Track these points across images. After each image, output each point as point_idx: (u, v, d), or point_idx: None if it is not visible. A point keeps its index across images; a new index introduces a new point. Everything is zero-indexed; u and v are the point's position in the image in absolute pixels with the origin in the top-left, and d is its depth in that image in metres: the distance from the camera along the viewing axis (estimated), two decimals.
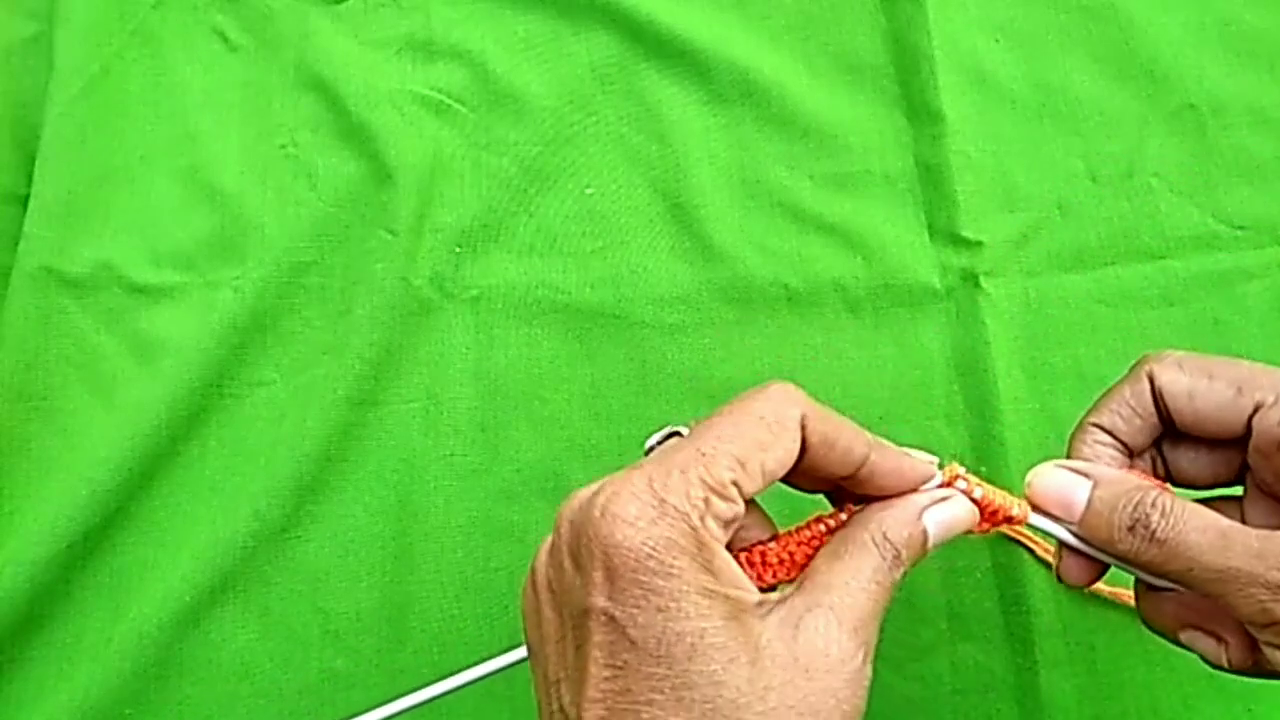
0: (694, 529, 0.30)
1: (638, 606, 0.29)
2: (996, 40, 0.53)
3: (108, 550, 0.47)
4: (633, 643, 0.29)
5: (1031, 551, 0.45)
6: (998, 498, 0.34)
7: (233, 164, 0.53)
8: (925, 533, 0.32)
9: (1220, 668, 0.33)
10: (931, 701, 0.44)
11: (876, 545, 0.32)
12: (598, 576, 0.30)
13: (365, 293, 0.50)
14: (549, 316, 0.50)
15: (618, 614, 0.30)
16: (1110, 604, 0.44)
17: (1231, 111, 0.51)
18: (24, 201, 0.53)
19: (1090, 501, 0.33)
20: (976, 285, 0.49)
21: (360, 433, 0.48)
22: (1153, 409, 0.35)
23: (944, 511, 0.33)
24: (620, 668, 0.30)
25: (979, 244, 0.50)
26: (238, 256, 0.51)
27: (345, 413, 0.48)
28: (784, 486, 0.36)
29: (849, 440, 0.33)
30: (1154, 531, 0.31)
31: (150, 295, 0.51)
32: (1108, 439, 0.35)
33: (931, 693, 0.44)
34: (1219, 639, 0.33)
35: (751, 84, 0.53)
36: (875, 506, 0.33)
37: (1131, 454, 0.35)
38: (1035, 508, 0.34)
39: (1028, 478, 0.35)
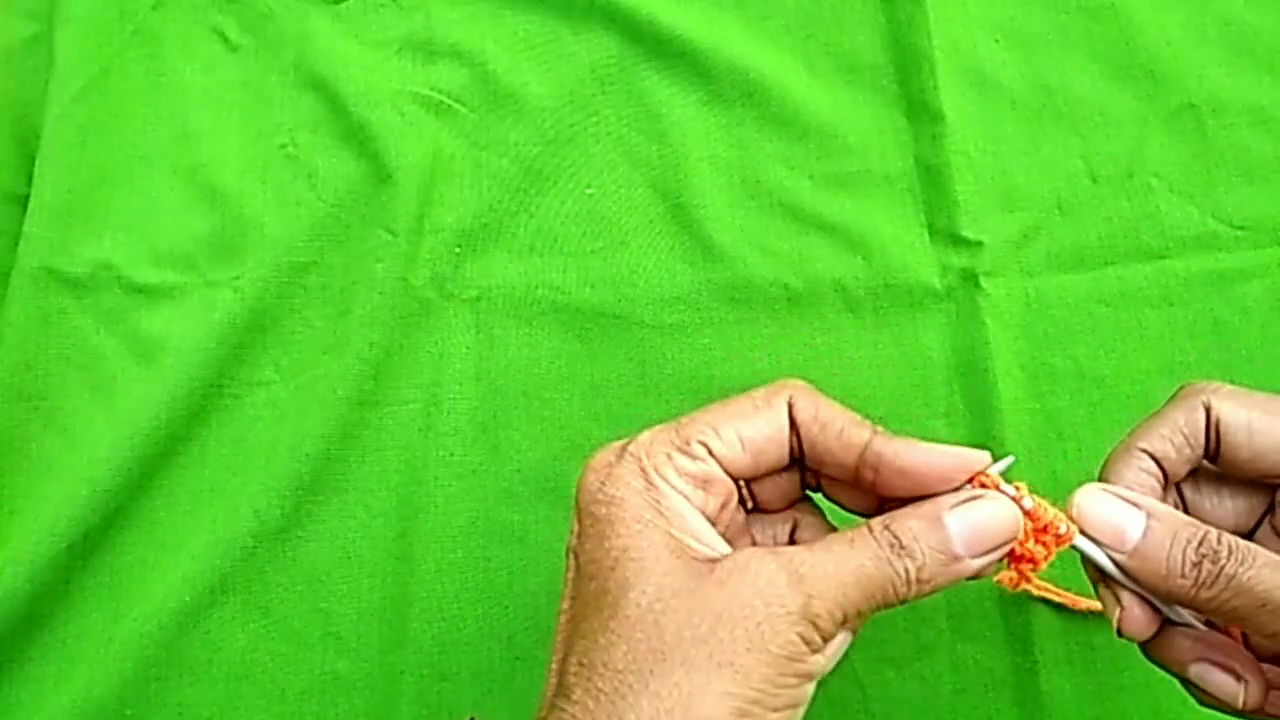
0: (644, 470, 0.32)
1: (586, 536, 0.32)
2: (996, 40, 0.53)
3: (108, 550, 0.47)
4: (580, 570, 0.32)
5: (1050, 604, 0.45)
6: (1048, 512, 0.32)
7: (233, 164, 0.53)
8: (947, 534, 0.31)
9: (1228, 708, 0.32)
10: (931, 701, 0.44)
11: (873, 531, 0.31)
12: (573, 522, 0.33)
13: (365, 293, 0.50)
14: (549, 316, 0.50)
15: (575, 547, 0.32)
16: None
17: (1231, 111, 0.51)
18: (24, 201, 0.53)
19: (1146, 534, 0.31)
20: (976, 285, 0.49)
21: (360, 433, 0.48)
22: (1203, 440, 0.34)
23: (974, 512, 0.31)
24: (574, 598, 0.32)
25: (979, 244, 0.50)
26: (238, 256, 0.51)
27: (345, 413, 0.48)
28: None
29: (844, 423, 0.33)
30: (1222, 569, 0.30)
31: (150, 295, 0.51)
32: (1153, 466, 0.34)
33: (931, 693, 0.44)
34: (1237, 676, 0.32)
35: (751, 84, 0.53)
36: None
37: (1166, 485, 0.34)
38: (1081, 531, 0.32)
39: (1075, 499, 0.33)
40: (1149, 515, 0.32)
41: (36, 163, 0.53)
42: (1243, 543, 0.31)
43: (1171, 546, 0.31)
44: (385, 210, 0.51)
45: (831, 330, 0.49)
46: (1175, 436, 0.34)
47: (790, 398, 0.33)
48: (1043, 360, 0.48)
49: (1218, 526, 0.34)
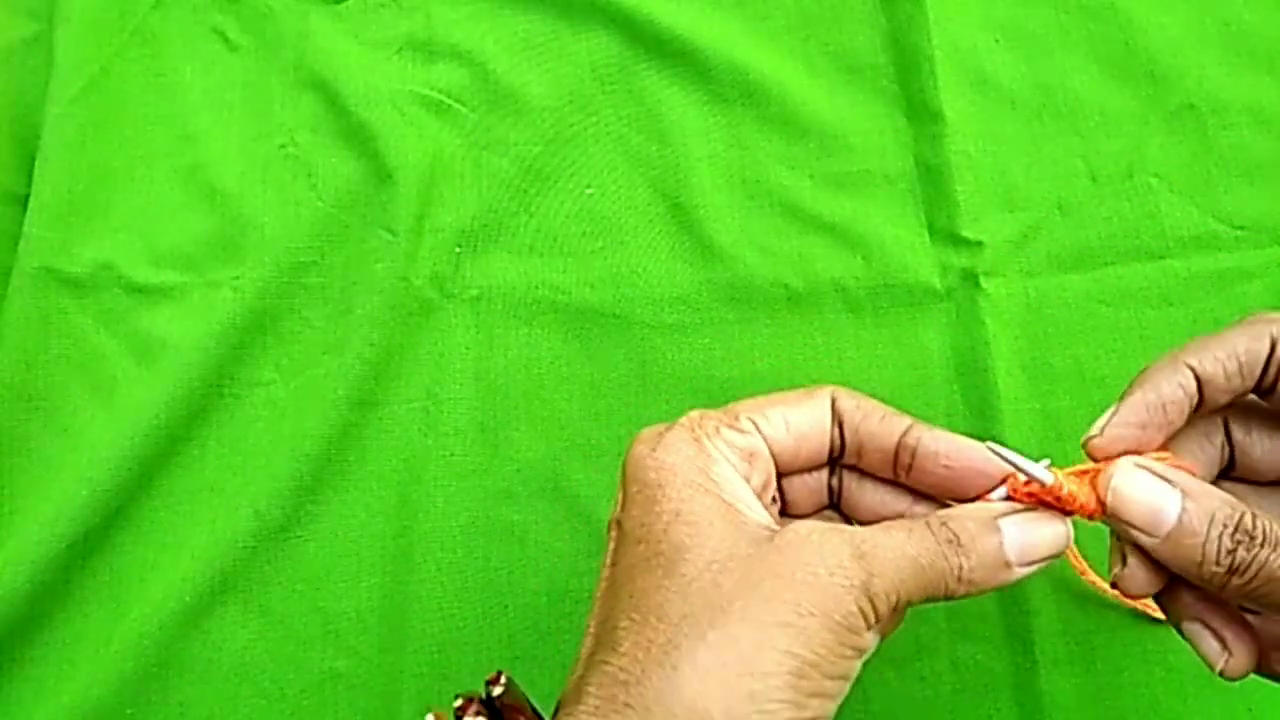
0: (695, 437, 0.32)
1: (633, 503, 0.31)
2: (996, 40, 0.53)
3: (108, 550, 0.47)
4: (625, 533, 0.31)
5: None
6: (1081, 493, 0.32)
7: (233, 164, 0.53)
8: (1001, 539, 0.31)
9: (1213, 668, 0.32)
10: (931, 701, 0.44)
11: (931, 525, 0.31)
12: (619, 494, 0.32)
13: (365, 293, 0.50)
14: (549, 316, 0.50)
15: (620, 516, 0.32)
16: (1110, 604, 0.44)
17: (1231, 111, 0.51)
18: (24, 201, 0.53)
19: (1182, 517, 0.30)
20: (976, 285, 0.49)
21: (360, 433, 0.48)
22: (1258, 374, 0.32)
23: (1029, 523, 0.31)
24: (615, 564, 0.31)
25: (979, 244, 0.50)
26: (238, 256, 0.51)
27: (345, 413, 0.48)
28: None
29: (885, 412, 0.34)
30: (1255, 556, 0.29)
31: (150, 295, 0.51)
32: (1193, 386, 0.32)
33: (931, 692, 0.44)
34: (1223, 643, 0.32)
35: (751, 84, 0.53)
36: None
37: (1198, 410, 0.33)
38: (1114, 516, 0.31)
39: (1110, 480, 0.32)
40: (1184, 495, 0.30)
41: (36, 163, 0.53)
42: (1277, 527, 0.30)
43: (1209, 531, 0.30)
44: (385, 210, 0.51)
45: (831, 330, 0.49)
46: (1230, 362, 0.32)
47: (833, 394, 0.34)
48: (1043, 360, 0.48)
49: (1265, 476, 0.33)
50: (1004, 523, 0.31)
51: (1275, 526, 0.30)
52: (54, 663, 0.46)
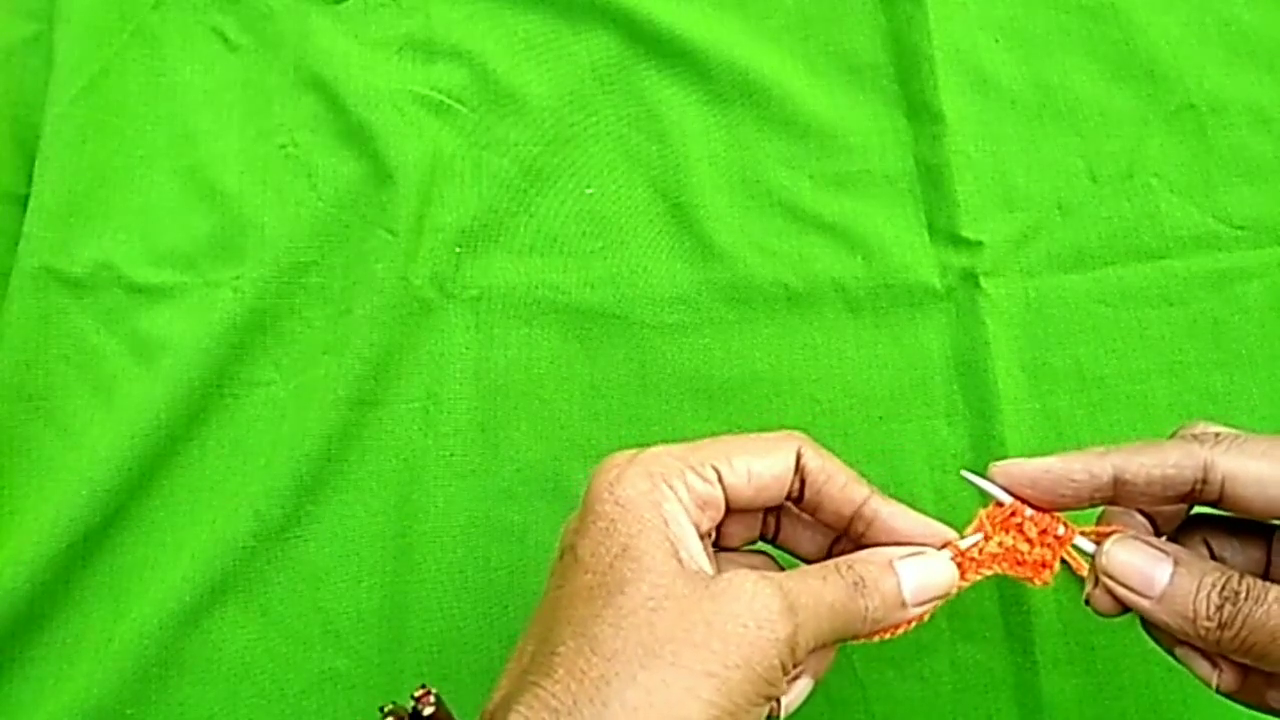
0: (651, 474, 0.33)
1: (587, 532, 0.33)
2: (996, 40, 0.53)
3: (108, 550, 0.47)
4: (578, 559, 0.33)
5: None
6: (1044, 519, 0.35)
7: (233, 164, 0.53)
8: (898, 581, 0.33)
9: (1208, 685, 0.34)
10: (931, 701, 0.44)
11: (839, 570, 0.33)
12: (576, 515, 0.34)
13: (365, 293, 0.50)
14: (549, 316, 0.50)
15: (575, 542, 0.33)
16: None
17: (1231, 111, 0.51)
18: (24, 201, 0.53)
19: (1173, 580, 0.33)
20: (976, 285, 0.49)
21: (360, 433, 0.48)
22: (1183, 491, 0.34)
23: (921, 564, 0.34)
24: (561, 586, 0.33)
25: (979, 244, 0.50)
26: (238, 256, 0.51)
27: (345, 413, 0.48)
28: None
29: (848, 478, 0.36)
30: (1240, 609, 0.31)
31: (150, 295, 0.51)
32: (1106, 479, 0.34)
33: (931, 692, 0.44)
34: (1213, 663, 0.33)
35: (751, 84, 0.53)
36: None
37: (1117, 502, 0.35)
38: (1109, 579, 0.34)
39: (1105, 546, 0.34)
40: (1176, 562, 0.33)
41: (36, 163, 0.53)
42: (1259, 581, 0.32)
43: (1198, 592, 0.32)
44: (385, 210, 0.51)
45: (831, 330, 0.49)
46: (1155, 470, 0.34)
47: (799, 448, 0.35)
48: (1043, 360, 0.48)
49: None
50: (900, 565, 0.34)
51: (1259, 582, 0.32)
52: (54, 663, 0.46)
